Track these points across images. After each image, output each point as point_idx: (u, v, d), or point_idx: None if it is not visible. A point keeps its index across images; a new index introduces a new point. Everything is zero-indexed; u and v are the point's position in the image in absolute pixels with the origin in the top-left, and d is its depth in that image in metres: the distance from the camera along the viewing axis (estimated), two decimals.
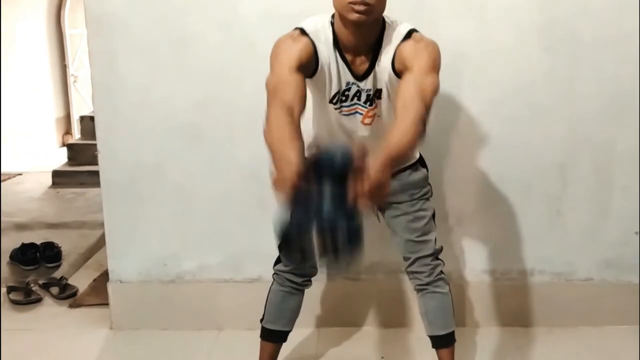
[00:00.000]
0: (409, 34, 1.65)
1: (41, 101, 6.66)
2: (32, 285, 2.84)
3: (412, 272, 1.91)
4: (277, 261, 1.95)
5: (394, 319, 2.47)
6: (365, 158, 1.31)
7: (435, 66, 1.62)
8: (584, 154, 2.33)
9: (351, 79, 1.69)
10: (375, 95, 1.71)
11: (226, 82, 2.27)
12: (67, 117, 7.17)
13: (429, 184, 1.92)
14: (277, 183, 1.38)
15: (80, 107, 7.01)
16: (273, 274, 1.96)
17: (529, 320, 2.45)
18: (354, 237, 1.29)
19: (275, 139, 1.46)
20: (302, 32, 1.66)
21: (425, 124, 1.53)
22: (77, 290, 2.83)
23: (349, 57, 1.67)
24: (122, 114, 2.31)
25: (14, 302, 2.73)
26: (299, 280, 1.92)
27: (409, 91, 1.57)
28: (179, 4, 2.22)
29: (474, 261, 2.43)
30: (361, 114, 1.74)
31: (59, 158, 5.67)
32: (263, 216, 2.35)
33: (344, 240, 1.27)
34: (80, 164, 5.13)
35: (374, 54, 1.67)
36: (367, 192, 1.30)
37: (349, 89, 1.71)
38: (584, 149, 2.33)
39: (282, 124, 1.49)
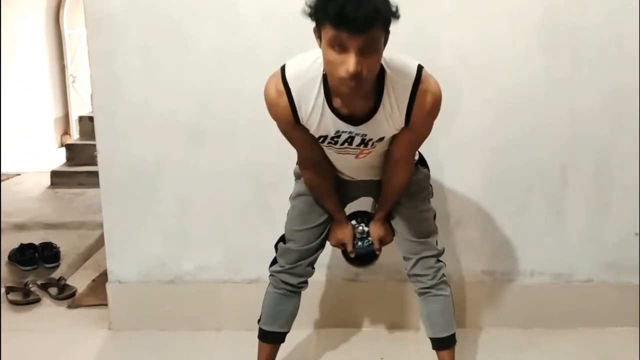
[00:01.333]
0: (417, 82, 1.56)
1: (40, 101, 6.65)
2: (30, 285, 2.83)
3: (415, 275, 1.90)
4: (273, 262, 1.95)
5: (393, 319, 2.46)
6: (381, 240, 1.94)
7: (433, 123, 1.68)
8: (584, 154, 2.33)
9: (342, 127, 1.61)
10: (377, 140, 1.66)
11: (226, 83, 2.26)
12: (66, 117, 7.16)
13: (430, 185, 1.92)
14: (337, 246, 1.99)
15: (79, 107, 7.00)
16: (269, 276, 1.95)
17: (529, 322, 2.45)
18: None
19: (320, 197, 1.88)
20: (284, 81, 1.58)
21: (413, 165, 1.81)
22: (75, 291, 2.83)
23: (340, 103, 1.57)
24: (122, 114, 2.31)
25: (13, 303, 2.73)
26: (294, 281, 1.91)
27: (406, 149, 1.73)
28: (179, 3, 2.21)
29: (473, 262, 2.43)
30: (353, 154, 1.71)
31: (58, 158, 5.66)
32: (263, 216, 2.35)
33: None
34: (79, 164, 5.13)
35: (376, 101, 1.57)
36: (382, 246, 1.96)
37: (338, 136, 1.64)
38: (584, 150, 2.33)
39: (317, 190, 1.86)
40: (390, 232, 1.93)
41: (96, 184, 2.41)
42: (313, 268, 1.94)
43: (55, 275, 2.98)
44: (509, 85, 2.26)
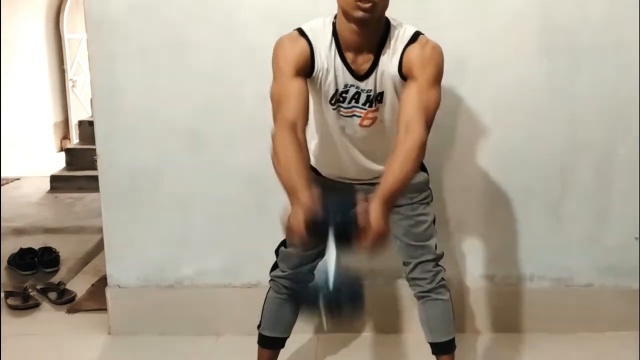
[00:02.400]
0: (415, 37, 1.64)
1: (39, 106, 6.65)
2: (29, 290, 2.83)
3: (413, 279, 1.89)
4: (274, 267, 1.95)
5: (393, 324, 2.46)
6: (368, 214, 1.46)
7: (439, 78, 1.65)
8: (584, 159, 2.33)
9: (350, 81, 1.67)
10: (376, 98, 1.69)
11: (226, 87, 2.27)
12: (66, 121, 7.16)
13: (429, 188, 1.91)
14: (288, 231, 1.51)
15: (79, 111, 7.01)
16: (269, 281, 1.95)
17: (529, 326, 2.44)
18: (357, 300, 1.55)
19: (284, 170, 1.54)
20: (301, 32, 1.66)
21: (425, 145, 1.60)
22: (75, 296, 2.82)
23: (349, 56, 1.65)
24: (122, 118, 2.31)
25: (12, 307, 2.72)
26: (295, 286, 1.91)
27: (413, 108, 1.60)
28: (179, 8, 2.21)
29: (473, 266, 2.43)
30: (359, 116, 1.72)
31: (57, 163, 5.65)
32: (262, 221, 2.35)
33: (348, 304, 1.52)
34: (79, 169, 5.12)
35: (376, 54, 1.64)
36: (371, 245, 1.47)
37: (346, 91, 1.68)
38: (583, 154, 2.33)
39: (289, 152, 1.55)
40: (386, 224, 1.50)
41: (96, 189, 2.41)
42: (313, 274, 1.93)
43: (55, 279, 2.97)
44: (508, 90, 2.27)
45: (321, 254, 1.91)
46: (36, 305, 2.75)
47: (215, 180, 2.35)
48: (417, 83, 1.62)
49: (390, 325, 2.46)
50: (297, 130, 1.59)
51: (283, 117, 1.60)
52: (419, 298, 1.92)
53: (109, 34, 2.24)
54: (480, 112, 2.29)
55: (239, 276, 2.43)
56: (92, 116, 3.04)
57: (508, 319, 2.45)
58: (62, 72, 7.07)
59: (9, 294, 2.78)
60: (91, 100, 2.36)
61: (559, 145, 2.32)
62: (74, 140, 6.68)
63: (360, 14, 1.54)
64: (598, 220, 2.38)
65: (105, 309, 2.51)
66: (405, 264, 1.91)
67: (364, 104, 1.70)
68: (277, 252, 1.94)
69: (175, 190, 2.37)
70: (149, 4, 2.21)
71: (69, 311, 2.71)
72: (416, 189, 1.85)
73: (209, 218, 2.39)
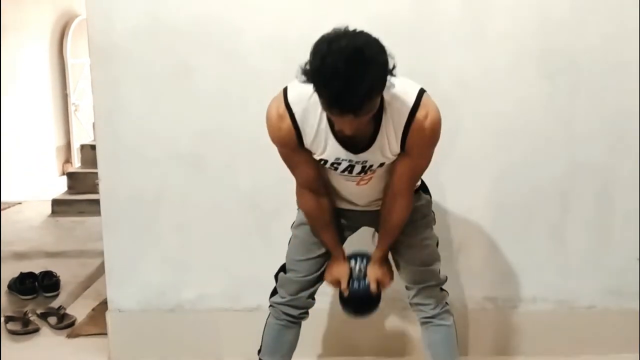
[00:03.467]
0: (414, 109, 1.55)
1: (42, 130, 6.68)
2: (29, 315, 2.81)
3: (417, 304, 1.88)
4: (273, 292, 1.93)
5: (394, 348, 2.44)
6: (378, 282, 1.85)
7: (433, 152, 1.67)
8: (585, 180, 2.33)
9: (342, 155, 1.61)
10: (370, 167, 1.65)
11: (228, 111, 2.28)
12: (68, 145, 7.18)
13: (432, 211, 1.91)
14: (333, 284, 1.91)
15: (81, 135, 7.04)
16: (269, 306, 1.94)
17: (532, 349, 2.42)
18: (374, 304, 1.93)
19: (312, 226, 1.84)
20: (287, 104, 1.58)
21: (412, 205, 1.76)
22: (75, 320, 2.81)
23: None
24: (124, 142, 2.32)
25: (12, 332, 2.71)
26: (295, 312, 1.90)
27: (405, 179, 1.70)
28: (181, 33, 2.24)
29: (475, 289, 2.42)
30: (354, 181, 1.72)
31: (59, 187, 5.66)
32: (263, 245, 2.35)
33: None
34: (80, 193, 5.12)
35: (374, 128, 1.57)
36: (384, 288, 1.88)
37: (339, 163, 1.64)
38: (584, 176, 2.33)
39: (311, 210, 1.80)
40: (389, 275, 1.88)
41: (97, 213, 2.41)
42: (313, 299, 1.93)
43: (55, 304, 2.96)
44: (508, 111, 2.28)
45: (322, 278, 1.92)
46: (36, 330, 2.73)
47: (216, 204, 2.35)
48: (414, 159, 1.65)
49: (392, 349, 2.44)
50: (315, 190, 1.75)
51: (300, 183, 1.76)
52: (422, 323, 1.90)
53: (112, 59, 2.26)
54: (481, 134, 2.30)
55: (239, 300, 2.42)
56: (94, 140, 3.06)
57: (511, 341, 2.43)
58: (64, 97, 7.11)
59: (8, 319, 2.77)
60: (93, 124, 2.37)
61: (559, 167, 2.32)
62: (76, 164, 6.70)
63: (346, 134, 1.51)
64: (600, 241, 2.38)
65: (105, 334, 2.49)
66: (408, 288, 1.90)
67: (358, 174, 1.67)
68: (276, 277, 1.93)
69: (177, 214, 2.37)
70: (152, 29, 2.24)
71: (69, 336, 2.69)
72: (418, 212, 1.85)
73: (210, 242, 2.38)
